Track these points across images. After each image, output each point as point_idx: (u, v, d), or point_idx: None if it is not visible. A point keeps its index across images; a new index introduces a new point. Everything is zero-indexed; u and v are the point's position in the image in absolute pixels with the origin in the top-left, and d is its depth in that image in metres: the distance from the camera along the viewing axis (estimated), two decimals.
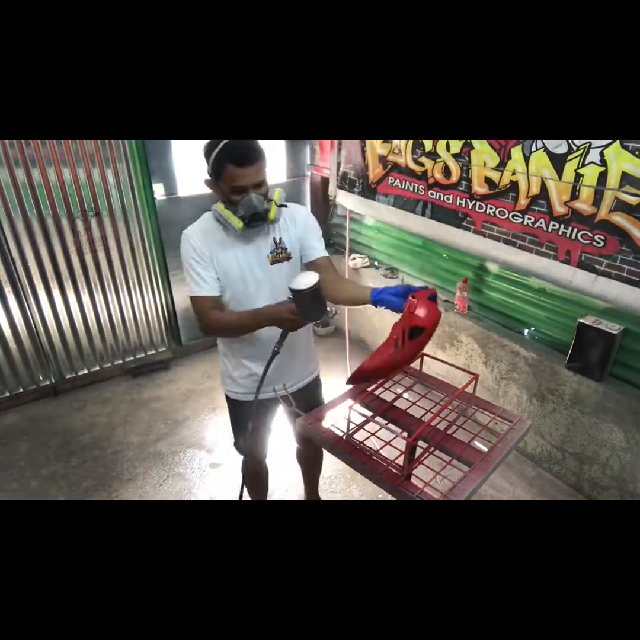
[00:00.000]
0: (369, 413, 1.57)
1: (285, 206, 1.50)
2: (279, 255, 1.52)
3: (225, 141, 1.34)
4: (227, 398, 1.77)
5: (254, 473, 2.02)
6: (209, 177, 1.43)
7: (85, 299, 3.01)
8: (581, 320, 2.16)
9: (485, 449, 1.41)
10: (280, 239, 1.53)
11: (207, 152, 1.37)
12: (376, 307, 1.40)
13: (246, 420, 1.51)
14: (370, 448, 1.42)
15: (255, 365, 1.61)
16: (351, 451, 1.40)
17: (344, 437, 1.45)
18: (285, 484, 2.47)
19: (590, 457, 2.31)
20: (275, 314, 1.36)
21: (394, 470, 1.34)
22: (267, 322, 1.39)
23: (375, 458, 1.39)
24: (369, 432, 1.50)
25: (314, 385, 1.85)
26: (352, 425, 1.47)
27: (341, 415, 1.49)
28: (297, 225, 1.56)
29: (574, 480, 2.42)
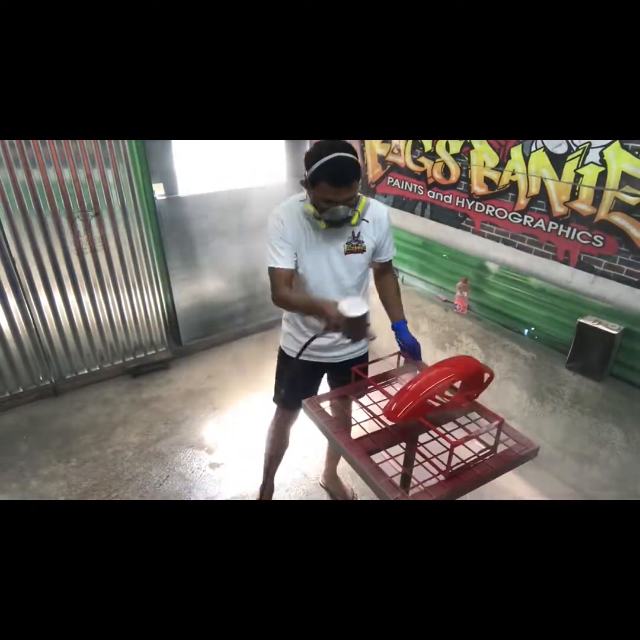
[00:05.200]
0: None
1: (367, 221, 1.69)
2: (354, 247, 1.70)
3: (329, 157, 1.45)
4: (281, 353, 1.97)
5: (283, 422, 2.11)
6: (304, 179, 1.55)
7: (85, 299, 3.01)
8: (581, 320, 2.16)
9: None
10: (359, 233, 1.69)
11: (309, 161, 1.50)
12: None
13: (292, 374, 1.76)
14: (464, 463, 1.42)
15: (313, 333, 1.75)
16: (348, 443, 1.41)
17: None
18: (285, 484, 2.47)
19: (590, 457, 2.31)
20: (323, 312, 1.50)
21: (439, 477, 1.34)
22: (316, 313, 1.57)
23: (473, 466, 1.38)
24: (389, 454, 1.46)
25: (363, 360, 1.99)
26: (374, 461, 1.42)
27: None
28: (377, 227, 1.72)
29: (574, 480, 2.42)
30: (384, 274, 1.90)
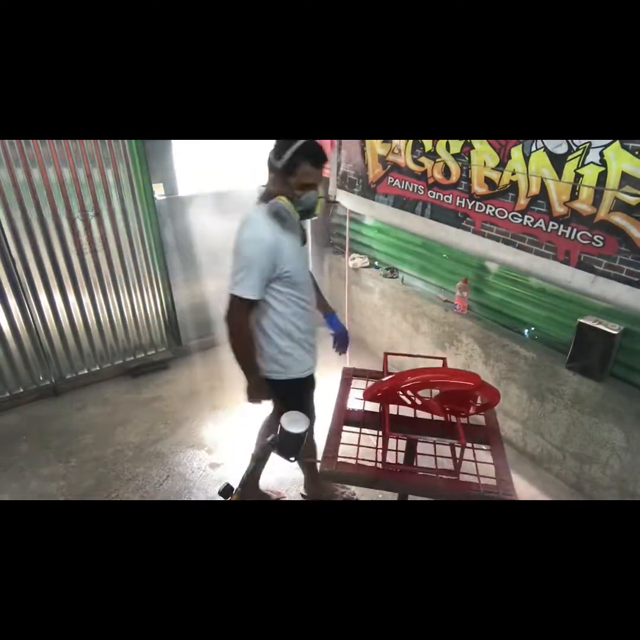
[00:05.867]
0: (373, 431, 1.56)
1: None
2: (303, 238, 1.74)
3: (302, 141, 1.48)
4: (278, 382, 1.82)
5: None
6: (274, 170, 1.55)
7: (85, 299, 3.01)
8: (581, 320, 2.16)
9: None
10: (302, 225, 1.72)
11: (281, 148, 1.50)
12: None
13: (298, 395, 1.80)
14: (413, 467, 1.43)
15: (306, 351, 1.83)
16: (399, 477, 1.39)
17: (379, 466, 1.42)
18: (285, 484, 2.47)
19: (591, 457, 2.31)
20: (250, 381, 1.74)
21: (445, 476, 1.34)
22: (245, 371, 1.75)
23: (422, 473, 1.39)
24: (371, 447, 1.48)
25: None
26: (360, 451, 1.45)
27: (346, 443, 1.48)
28: None
29: (574, 480, 2.42)
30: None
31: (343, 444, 1.46)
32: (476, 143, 2.30)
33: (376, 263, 3.45)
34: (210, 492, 2.41)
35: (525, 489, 2.44)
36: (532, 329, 2.55)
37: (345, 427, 1.54)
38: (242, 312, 1.62)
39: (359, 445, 1.48)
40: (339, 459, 1.41)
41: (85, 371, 3.20)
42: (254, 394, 1.78)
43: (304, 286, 1.73)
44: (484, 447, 1.47)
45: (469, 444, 1.42)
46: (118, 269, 3.05)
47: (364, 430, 1.56)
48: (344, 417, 1.56)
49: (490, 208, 2.34)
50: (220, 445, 2.72)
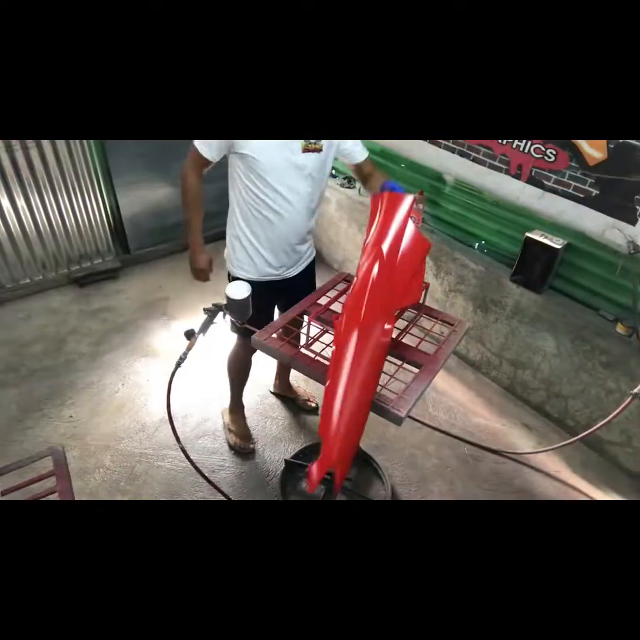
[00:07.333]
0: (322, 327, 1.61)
1: None
2: (310, 145, 1.66)
3: None
4: (236, 279, 1.82)
5: (245, 351, 2.07)
6: None
7: (20, 201, 2.79)
8: (528, 234, 2.23)
9: (431, 352, 1.51)
10: None
11: None
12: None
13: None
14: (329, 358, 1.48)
15: (268, 254, 1.81)
16: (310, 362, 1.45)
17: (301, 350, 1.49)
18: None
19: (524, 362, 2.51)
20: (192, 253, 1.86)
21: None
22: (188, 237, 1.83)
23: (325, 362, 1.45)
24: (324, 343, 1.54)
25: (310, 269, 2.06)
26: (304, 338, 1.51)
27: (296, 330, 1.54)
28: None
29: (507, 383, 2.65)
30: (369, 176, 2.00)
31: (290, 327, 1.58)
32: None
33: (333, 172, 3.35)
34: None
35: (463, 392, 2.66)
36: (483, 242, 2.62)
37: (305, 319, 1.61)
38: (193, 163, 1.67)
39: (300, 332, 1.57)
40: (274, 336, 1.52)
41: (28, 280, 3.05)
42: (192, 262, 1.88)
43: (279, 189, 1.66)
44: (414, 370, 1.46)
45: (399, 362, 1.48)
46: (54, 168, 2.81)
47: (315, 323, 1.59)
48: (306, 309, 1.65)
49: None
50: (174, 356, 2.74)
